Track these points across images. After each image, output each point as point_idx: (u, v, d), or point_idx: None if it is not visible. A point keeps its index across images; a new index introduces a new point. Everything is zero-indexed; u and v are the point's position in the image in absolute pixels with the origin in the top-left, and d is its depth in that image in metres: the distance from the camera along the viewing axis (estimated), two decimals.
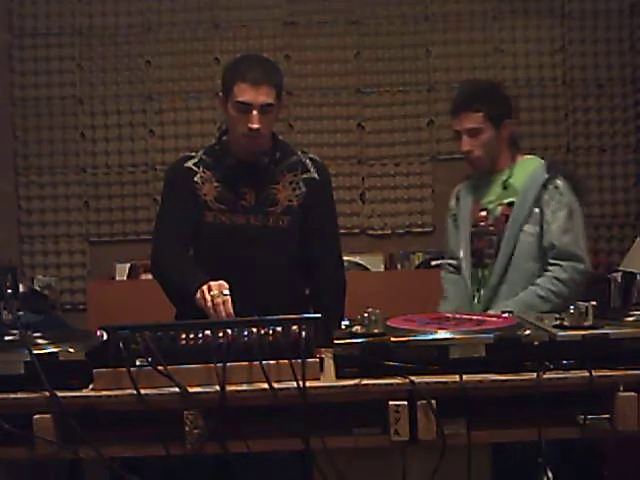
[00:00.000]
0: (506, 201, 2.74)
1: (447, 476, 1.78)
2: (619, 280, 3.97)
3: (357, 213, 4.98)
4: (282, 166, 2.55)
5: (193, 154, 2.62)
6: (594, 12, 4.97)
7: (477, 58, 4.97)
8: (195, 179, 2.54)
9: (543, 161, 2.78)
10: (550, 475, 1.91)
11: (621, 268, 4.06)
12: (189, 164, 2.58)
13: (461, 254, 2.83)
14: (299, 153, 2.62)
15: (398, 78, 5.00)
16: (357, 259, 4.71)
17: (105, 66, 5.02)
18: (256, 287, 2.41)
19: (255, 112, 2.39)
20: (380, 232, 4.99)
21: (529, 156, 2.86)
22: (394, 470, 1.84)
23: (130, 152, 5.04)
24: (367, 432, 1.82)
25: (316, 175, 2.57)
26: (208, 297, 2.21)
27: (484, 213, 2.78)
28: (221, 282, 2.23)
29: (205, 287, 2.23)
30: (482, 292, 2.75)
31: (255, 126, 2.40)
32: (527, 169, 2.75)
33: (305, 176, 2.56)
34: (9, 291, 4.04)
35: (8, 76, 5.02)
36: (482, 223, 2.78)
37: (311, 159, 2.61)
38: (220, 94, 2.50)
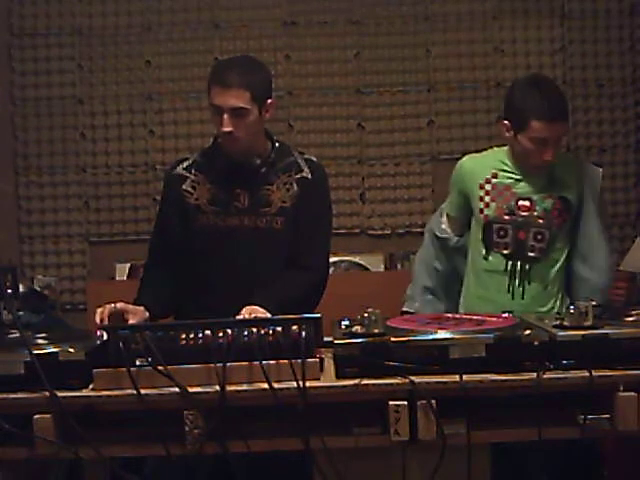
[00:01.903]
0: (557, 194, 2.65)
1: (447, 476, 1.78)
2: None
3: (357, 213, 4.97)
4: (277, 167, 2.53)
5: (188, 156, 2.64)
6: (594, 12, 4.96)
7: (477, 58, 4.96)
8: (184, 187, 2.54)
9: (575, 156, 2.77)
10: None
11: (621, 268, 4.06)
12: (179, 170, 2.58)
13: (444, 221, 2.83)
14: (295, 154, 2.59)
15: (398, 78, 4.98)
16: (357, 259, 4.69)
17: (105, 66, 5.00)
18: (252, 288, 2.39)
19: (226, 116, 2.39)
20: (380, 232, 4.97)
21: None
22: (394, 470, 1.85)
23: (130, 152, 5.03)
24: (367, 432, 1.82)
25: (309, 175, 2.53)
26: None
27: (527, 203, 2.65)
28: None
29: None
30: (526, 287, 2.64)
31: (225, 129, 2.39)
32: (571, 164, 2.74)
33: (298, 176, 2.53)
34: (9, 291, 4.02)
35: (8, 76, 5.00)
36: (524, 213, 2.65)
37: (307, 159, 2.58)
38: None
